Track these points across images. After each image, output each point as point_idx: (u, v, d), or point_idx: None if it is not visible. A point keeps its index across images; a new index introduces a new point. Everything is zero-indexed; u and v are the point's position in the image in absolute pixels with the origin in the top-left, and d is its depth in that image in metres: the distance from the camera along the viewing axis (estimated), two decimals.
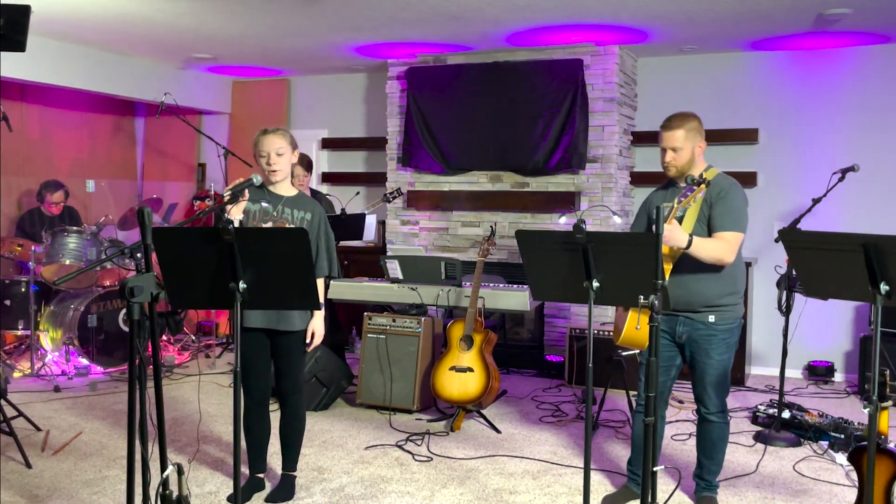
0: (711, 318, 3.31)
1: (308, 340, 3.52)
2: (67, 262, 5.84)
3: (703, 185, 2.95)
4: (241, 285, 2.59)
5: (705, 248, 3.17)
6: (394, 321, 5.07)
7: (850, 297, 2.63)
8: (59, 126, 7.40)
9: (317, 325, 3.53)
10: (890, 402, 2.76)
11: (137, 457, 2.38)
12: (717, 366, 3.34)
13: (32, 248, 5.87)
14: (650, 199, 3.52)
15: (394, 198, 6.20)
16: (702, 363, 3.36)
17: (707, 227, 3.26)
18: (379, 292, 5.25)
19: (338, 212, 5.77)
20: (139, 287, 2.10)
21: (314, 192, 5.85)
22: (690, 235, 3.12)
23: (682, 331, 3.36)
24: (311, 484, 3.80)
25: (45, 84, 6.35)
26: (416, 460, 4.15)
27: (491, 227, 5.11)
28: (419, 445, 4.38)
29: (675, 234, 3.08)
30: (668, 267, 3.18)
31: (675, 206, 3.08)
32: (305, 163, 5.63)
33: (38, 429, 4.50)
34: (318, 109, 7.74)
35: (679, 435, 4.60)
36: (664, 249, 3.14)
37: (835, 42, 5.85)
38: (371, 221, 5.91)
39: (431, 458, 4.18)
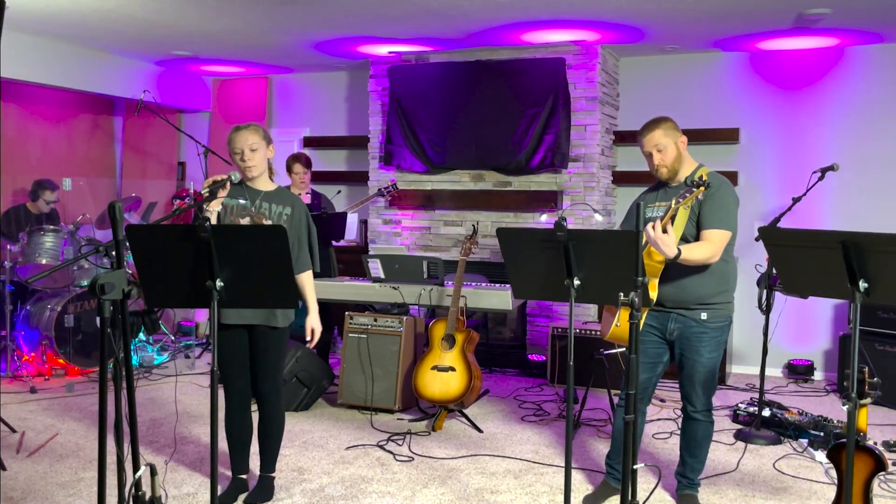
0: (704, 316, 3.31)
1: (309, 338, 3.49)
2: (44, 261, 5.76)
3: (702, 188, 2.93)
4: (218, 283, 2.56)
5: (693, 255, 3.16)
6: (375, 321, 5.03)
7: (829, 294, 2.63)
8: (36, 124, 7.30)
9: (315, 321, 3.50)
10: (869, 400, 2.77)
11: (111, 458, 2.34)
12: (706, 364, 3.34)
13: (8, 247, 5.79)
14: (641, 200, 3.51)
15: (388, 192, 6.19)
16: (691, 361, 3.35)
17: (696, 224, 3.26)
18: (360, 291, 5.22)
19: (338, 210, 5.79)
20: (110, 284, 2.05)
21: (315, 193, 5.82)
22: (678, 248, 3.08)
23: (673, 327, 3.35)
24: (290, 485, 3.77)
25: (21, 81, 6.25)
26: (397, 460, 4.13)
27: (473, 226, 5.10)
28: (400, 445, 4.36)
29: (666, 245, 3.04)
30: (660, 267, 3.18)
31: (673, 206, 3.06)
32: (304, 161, 5.62)
33: (14, 430, 4.43)
34: (299, 108, 7.70)
35: (660, 433, 4.60)
36: (658, 256, 3.13)
37: (815, 42, 5.89)
38: (352, 220, 5.89)
39: (413, 458, 4.16)
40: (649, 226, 3.03)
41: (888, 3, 4.81)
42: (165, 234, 2.71)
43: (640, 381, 3.36)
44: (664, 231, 3.03)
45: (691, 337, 3.33)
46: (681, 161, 3.33)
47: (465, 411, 4.81)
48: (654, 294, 3.20)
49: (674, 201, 3.06)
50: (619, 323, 3.24)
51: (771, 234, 2.69)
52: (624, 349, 3.45)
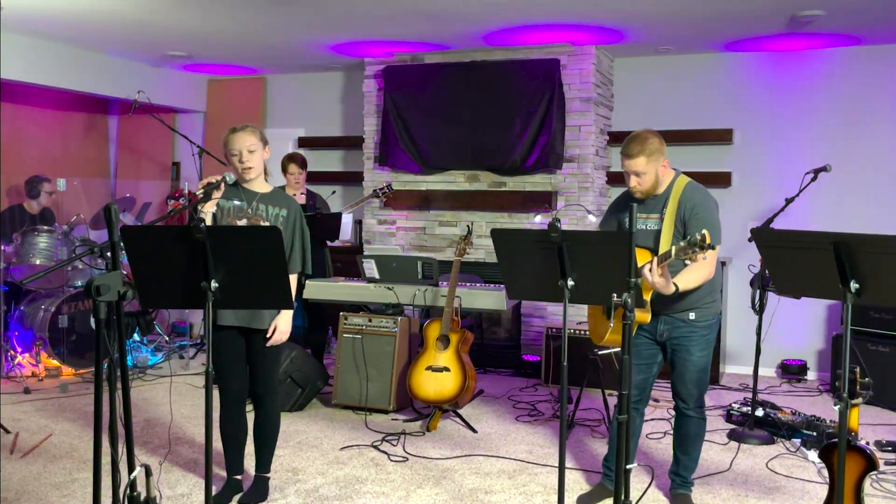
0: (692, 316, 3.34)
1: (269, 335, 3.40)
2: (38, 261, 5.75)
3: (705, 251, 2.90)
4: (213, 284, 2.56)
5: (691, 283, 3.18)
6: (370, 321, 5.04)
7: (821, 295, 2.65)
8: (31, 124, 7.29)
9: (281, 321, 3.42)
10: (860, 400, 2.79)
11: (106, 459, 2.34)
12: (697, 363, 3.38)
13: (2, 247, 5.78)
14: (620, 202, 3.51)
15: (384, 193, 6.20)
16: (683, 360, 3.38)
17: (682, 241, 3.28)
18: (355, 292, 5.22)
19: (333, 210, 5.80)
20: (105, 285, 2.06)
21: (311, 193, 5.82)
22: (675, 284, 3.10)
23: (662, 329, 3.39)
24: (285, 485, 3.77)
25: (17, 81, 6.24)
26: (391, 461, 4.13)
27: (467, 226, 5.10)
28: (395, 446, 4.36)
29: (664, 287, 3.07)
30: (648, 294, 3.21)
31: (673, 254, 3.01)
32: (300, 161, 5.65)
33: (8, 431, 4.42)
34: (294, 108, 7.70)
35: (654, 433, 4.62)
36: (647, 285, 3.13)
37: (808, 44, 5.92)
38: (347, 221, 5.89)
39: (407, 459, 4.17)
40: (646, 269, 3.02)
41: (880, 6, 4.84)
42: (161, 235, 2.72)
43: (636, 382, 3.39)
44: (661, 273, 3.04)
45: (681, 337, 3.36)
46: (657, 184, 3.32)
47: (460, 411, 4.82)
48: (647, 316, 3.25)
49: (673, 250, 2.98)
50: (614, 325, 3.26)
51: (763, 236, 2.71)
52: (617, 349, 3.47)
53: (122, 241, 2.49)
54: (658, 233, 3.28)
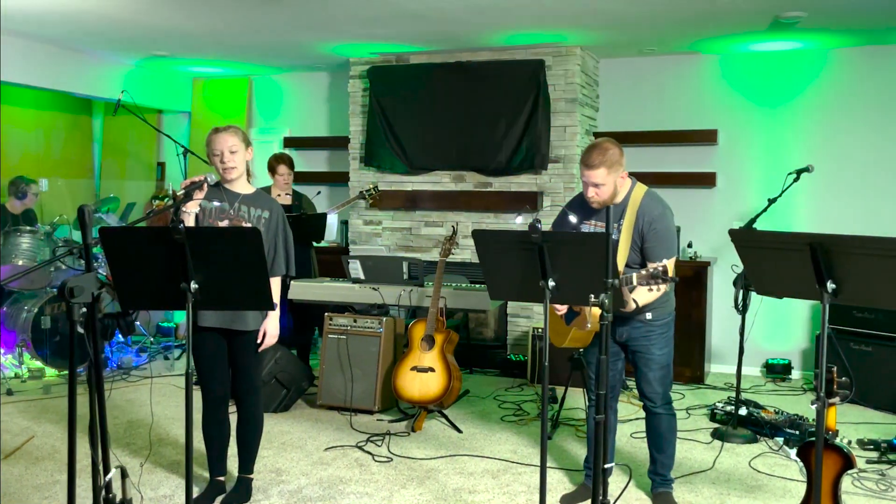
0: (649, 316, 3.38)
1: (259, 341, 3.44)
2: (20, 262, 5.71)
3: (667, 283, 2.87)
4: (193, 285, 2.55)
5: (650, 298, 3.17)
6: (355, 321, 5.03)
7: (799, 295, 2.67)
8: (14, 124, 7.24)
9: (270, 325, 3.45)
10: (837, 399, 2.81)
11: (86, 462, 2.33)
12: (659, 360, 3.43)
13: None
14: (580, 210, 3.47)
15: (370, 195, 6.19)
16: (644, 359, 3.44)
17: (640, 253, 3.31)
18: (340, 292, 5.22)
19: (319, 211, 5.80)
20: (79, 287, 2.05)
21: (297, 193, 5.81)
22: (634, 301, 3.15)
23: (622, 330, 3.44)
24: (268, 486, 3.76)
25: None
26: (375, 461, 4.13)
27: (453, 226, 5.11)
28: (379, 446, 4.36)
29: (626, 305, 3.13)
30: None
31: (635, 283, 2.96)
32: (288, 161, 5.65)
33: None
34: (279, 108, 7.68)
35: (638, 433, 4.64)
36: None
37: (792, 44, 5.95)
38: (333, 221, 5.88)
39: (391, 459, 4.17)
40: None
41: (862, 7, 4.87)
42: (139, 236, 2.70)
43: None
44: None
45: (640, 338, 3.42)
46: (615, 194, 3.30)
47: (445, 411, 4.82)
48: None
49: (635, 277, 2.93)
50: (592, 324, 3.28)
51: (741, 237, 2.72)
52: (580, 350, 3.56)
53: (100, 242, 2.48)
54: (616, 243, 3.29)
